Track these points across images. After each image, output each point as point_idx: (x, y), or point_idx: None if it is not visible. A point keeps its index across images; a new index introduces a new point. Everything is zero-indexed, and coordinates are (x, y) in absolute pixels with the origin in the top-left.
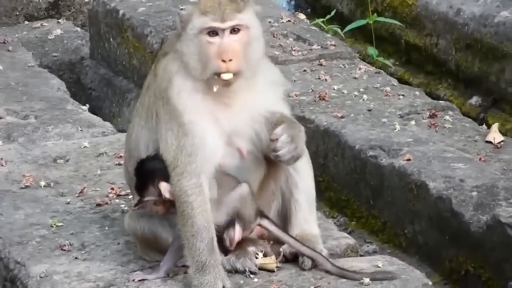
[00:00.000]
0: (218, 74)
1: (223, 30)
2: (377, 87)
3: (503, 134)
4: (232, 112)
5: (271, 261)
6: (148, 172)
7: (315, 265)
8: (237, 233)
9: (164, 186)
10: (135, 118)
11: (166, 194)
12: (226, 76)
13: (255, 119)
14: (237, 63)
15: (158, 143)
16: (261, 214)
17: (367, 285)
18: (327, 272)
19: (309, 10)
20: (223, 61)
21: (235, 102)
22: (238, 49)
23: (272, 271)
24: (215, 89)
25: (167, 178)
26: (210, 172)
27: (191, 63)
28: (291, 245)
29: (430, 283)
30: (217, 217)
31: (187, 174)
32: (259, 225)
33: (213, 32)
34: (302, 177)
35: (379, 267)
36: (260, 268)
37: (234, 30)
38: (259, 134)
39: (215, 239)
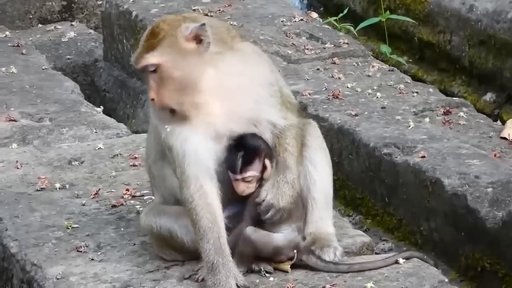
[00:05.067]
0: None
1: (141, 70)
2: (390, 85)
3: None
4: (216, 119)
5: (285, 262)
6: (254, 147)
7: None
8: None
9: (269, 163)
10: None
11: (268, 170)
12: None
13: (245, 122)
14: (159, 101)
15: (160, 146)
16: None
17: (382, 279)
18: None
19: (321, 9)
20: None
21: (216, 109)
22: (158, 89)
23: (286, 271)
24: (168, 129)
25: (271, 155)
26: (210, 174)
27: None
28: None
29: (447, 280)
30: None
31: (185, 183)
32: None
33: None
34: (321, 174)
35: (398, 263)
36: (275, 269)
37: (151, 70)
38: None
39: (222, 238)
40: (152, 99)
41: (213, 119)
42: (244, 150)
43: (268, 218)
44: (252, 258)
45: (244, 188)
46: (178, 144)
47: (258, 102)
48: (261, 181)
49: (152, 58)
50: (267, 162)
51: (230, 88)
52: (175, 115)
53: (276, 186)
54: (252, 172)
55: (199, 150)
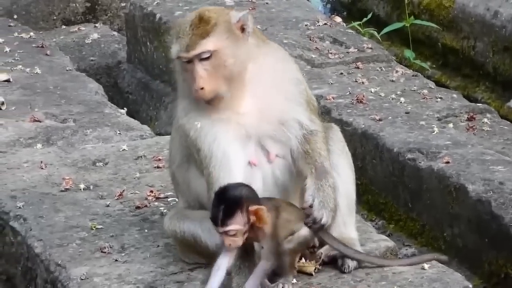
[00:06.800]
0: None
1: (190, 58)
2: (414, 90)
3: None
4: (245, 118)
5: (309, 265)
6: (235, 199)
7: (355, 268)
8: None
9: (261, 209)
10: (174, 120)
11: (264, 217)
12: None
13: (273, 120)
14: (209, 90)
15: (186, 150)
16: None
17: (406, 284)
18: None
19: (345, 13)
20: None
21: (245, 107)
22: (209, 76)
23: (310, 274)
24: (198, 125)
25: (256, 202)
26: (237, 177)
27: (181, 83)
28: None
29: (470, 286)
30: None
31: (211, 184)
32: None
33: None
34: (344, 180)
35: (424, 269)
36: (299, 271)
37: (203, 57)
38: (285, 134)
39: None
40: (201, 88)
41: (243, 118)
42: (225, 202)
43: (324, 222)
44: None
45: (229, 242)
46: (206, 146)
47: (288, 99)
48: (252, 232)
49: (209, 44)
50: (252, 212)
51: (264, 83)
52: (215, 106)
53: (322, 190)
54: (234, 226)
55: (227, 152)
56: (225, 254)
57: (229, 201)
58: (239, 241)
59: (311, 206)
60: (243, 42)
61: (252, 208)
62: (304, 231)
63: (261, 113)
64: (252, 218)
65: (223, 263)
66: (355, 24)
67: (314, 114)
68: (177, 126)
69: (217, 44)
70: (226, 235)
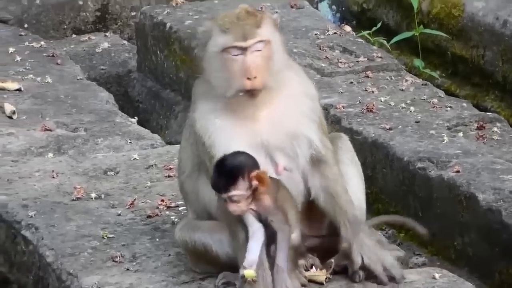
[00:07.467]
0: (243, 91)
1: (245, 48)
2: (424, 99)
3: None
4: (260, 128)
5: (320, 274)
6: (236, 165)
7: (365, 277)
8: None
9: (263, 173)
10: (184, 130)
11: (267, 180)
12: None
13: (285, 132)
14: (261, 79)
15: (198, 158)
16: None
17: None
18: None
19: (354, 22)
20: (248, 78)
21: (261, 116)
22: (262, 65)
23: (321, 283)
24: (217, 123)
25: (256, 167)
26: None
27: (214, 81)
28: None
29: None
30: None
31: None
32: None
33: (238, 49)
34: (353, 190)
35: (435, 278)
36: (310, 281)
37: (255, 48)
38: (294, 148)
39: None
40: (255, 77)
41: (258, 125)
42: (225, 168)
43: (379, 274)
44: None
45: (234, 208)
46: (220, 151)
47: (302, 114)
48: (257, 196)
49: (264, 33)
50: (254, 177)
51: (283, 92)
52: (253, 102)
53: (365, 244)
54: (237, 191)
55: None
56: (251, 223)
57: (230, 167)
58: (243, 206)
59: (363, 267)
60: (282, 40)
61: (254, 172)
62: (293, 235)
63: (275, 123)
64: (255, 183)
65: (255, 226)
66: (365, 33)
67: (325, 136)
68: (191, 131)
69: (270, 35)
70: (230, 201)
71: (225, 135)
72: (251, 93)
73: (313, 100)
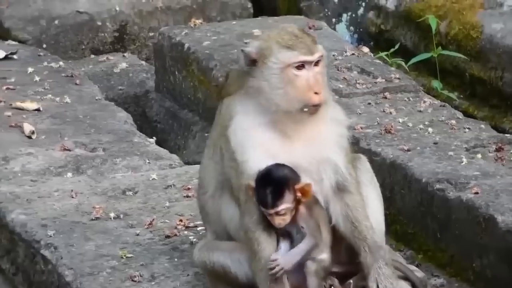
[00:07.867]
0: (309, 106)
1: (311, 62)
2: (442, 120)
3: None
4: (294, 148)
5: None
6: (282, 179)
7: None
8: None
9: (308, 185)
10: (206, 149)
11: (311, 191)
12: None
13: (314, 155)
14: (321, 96)
15: (222, 176)
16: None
17: None
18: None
19: (372, 43)
20: (316, 93)
21: (297, 136)
22: (322, 80)
23: None
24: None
25: (298, 178)
26: None
27: (273, 98)
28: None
29: None
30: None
31: (247, 212)
32: None
33: (300, 65)
34: (372, 212)
35: None
36: None
37: (316, 62)
38: (320, 173)
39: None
40: (318, 92)
41: (293, 145)
42: (272, 183)
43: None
44: None
45: (279, 221)
46: (252, 171)
47: (333, 140)
48: (297, 207)
49: (322, 49)
50: (298, 189)
51: (318, 114)
52: (312, 116)
53: (382, 273)
54: (284, 205)
55: None
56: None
57: (275, 182)
58: (287, 218)
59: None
60: None
61: (299, 185)
62: (324, 255)
63: (307, 145)
64: (299, 195)
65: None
66: (383, 54)
67: (351, 164)
68: (217, 148)
69: (323, 51)
70: (276, 215)
71: (260, 151)
72: (316, 108)
73: (344, 126)
